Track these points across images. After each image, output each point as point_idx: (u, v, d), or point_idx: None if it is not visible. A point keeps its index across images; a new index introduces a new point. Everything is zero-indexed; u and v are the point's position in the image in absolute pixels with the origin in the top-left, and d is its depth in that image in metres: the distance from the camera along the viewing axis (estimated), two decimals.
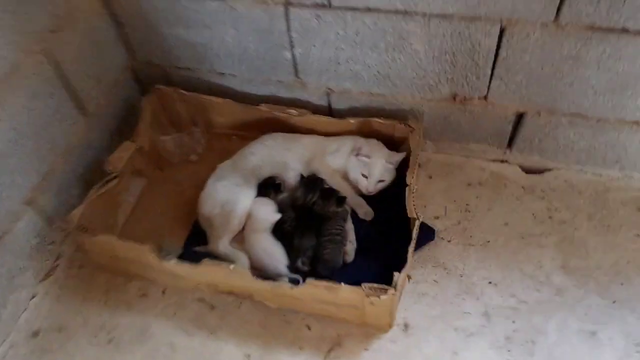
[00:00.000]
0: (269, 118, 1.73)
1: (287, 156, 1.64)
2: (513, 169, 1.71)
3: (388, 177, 1.58)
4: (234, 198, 1.52)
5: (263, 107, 1.71)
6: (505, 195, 1.65)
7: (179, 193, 1.73)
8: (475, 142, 1.68)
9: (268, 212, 1.50)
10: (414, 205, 1.41)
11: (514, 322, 1.41)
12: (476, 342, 1.38)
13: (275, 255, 1.47)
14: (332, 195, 1.53)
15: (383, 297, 1.25)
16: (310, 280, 1.30)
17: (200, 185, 1.66)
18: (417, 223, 1.37)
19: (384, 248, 1.52)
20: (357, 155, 1.58)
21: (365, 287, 1.27)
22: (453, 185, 1.69)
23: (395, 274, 1.28)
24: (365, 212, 1.58)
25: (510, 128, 1.61)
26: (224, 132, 1.86)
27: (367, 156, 1.56)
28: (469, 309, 1.44)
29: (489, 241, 1.56)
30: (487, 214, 1.62)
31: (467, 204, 1.64)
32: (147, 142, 1.71)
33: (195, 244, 1.58)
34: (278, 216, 1.50)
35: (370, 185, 1.56)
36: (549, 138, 1.59)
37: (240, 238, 1.54)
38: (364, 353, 1.38)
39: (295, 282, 1.44)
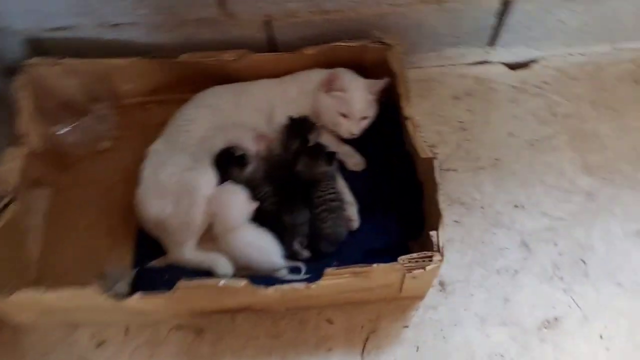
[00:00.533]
0: (195, 71, 1.31)
1: (239, 114, 1.25)
2: (497, 69, 1.46)
3: (371, 112, 1.26)
4: (190, 187, 1.13)
5: (185, 58, 1.28)
6: (498, 101, 1.42)
7: (101, 195, 1.30)
8: (452, 47, 1.40)
9: (241, 205, 1.13)
10: (424, 141, 1.12)
11: (555, 244, 1.21)
12: (524, 279, 1.18)
13: (266, 247, 1.13)
14: (320, 152, 1.19)
15: (430, 267, 0.98)
16: (331, 270, 0.99)
17: (127, 179, 1.25)
18: (435, 163, 1.08)
19: (387, 200, 1.23)
20: (327, 91, 1.24)
21: (403, 261, 0.98)
22: (438, 103, 1.42)
23: (432, 233, 1.01)
24: (355, 162, 1.27)
25: (494, 21, 1.34)
26: (136, 102, 1.41)
27: (342, 90, 1.23)
28: (504, 243, 1.22)
29: (497, 159, 1.33)
30: (486, 127, 1.38)
31: (460, 122, 1.39)
32: (38, 141, 1.23)
33: (148, 256, 1.20)
34: (255, 204, 1.14)
35: (352, 126, 1.24)
36: (537, 24, 1.35)
37: (206, 236, 1.17)
38: (406, 331, 1.13)
39: (296, 271, 1.13)
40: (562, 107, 1.40)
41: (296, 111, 1.26)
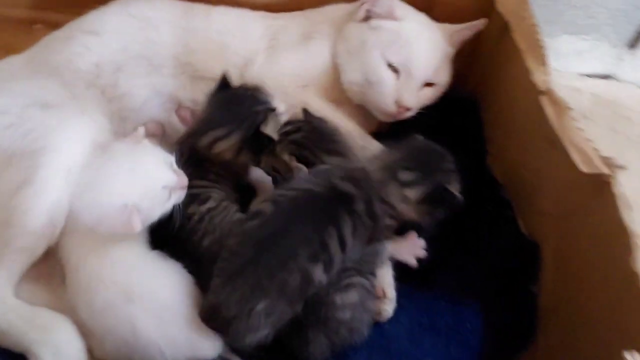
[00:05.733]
0: None
1: (185, 45, 0.63)
2: None
3: (443, 77, 0.66)
4: (33, 142, 0.48)
5: None
6: None
7: None
8: None
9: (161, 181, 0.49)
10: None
11: None
12: None
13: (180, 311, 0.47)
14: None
15: None
16: None
17: None
18: (616, 190, 0.46)
19: (458, 272, 0.60)
20: (366, 19, 0.64)
21: None
22: None
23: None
24: None
25: None
26: (17, 17, 0.79)
27: (393, 17, 0.64)
28: None
29: None
30: None
31: None
32: None
33: None
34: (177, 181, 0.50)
35: (407, 91, 0.62)
36: None
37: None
38: None
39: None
40: None
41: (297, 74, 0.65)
